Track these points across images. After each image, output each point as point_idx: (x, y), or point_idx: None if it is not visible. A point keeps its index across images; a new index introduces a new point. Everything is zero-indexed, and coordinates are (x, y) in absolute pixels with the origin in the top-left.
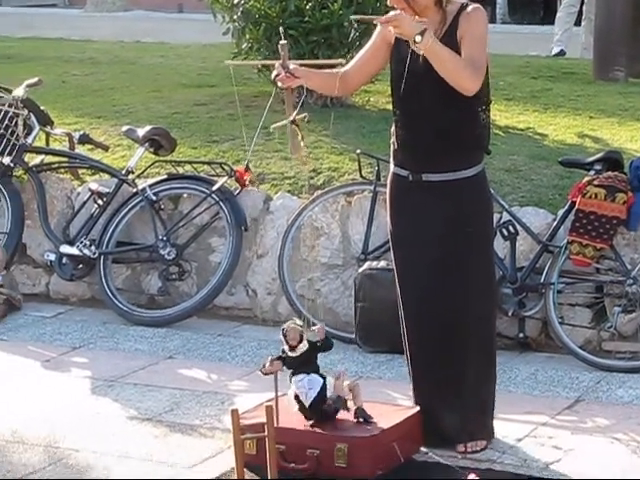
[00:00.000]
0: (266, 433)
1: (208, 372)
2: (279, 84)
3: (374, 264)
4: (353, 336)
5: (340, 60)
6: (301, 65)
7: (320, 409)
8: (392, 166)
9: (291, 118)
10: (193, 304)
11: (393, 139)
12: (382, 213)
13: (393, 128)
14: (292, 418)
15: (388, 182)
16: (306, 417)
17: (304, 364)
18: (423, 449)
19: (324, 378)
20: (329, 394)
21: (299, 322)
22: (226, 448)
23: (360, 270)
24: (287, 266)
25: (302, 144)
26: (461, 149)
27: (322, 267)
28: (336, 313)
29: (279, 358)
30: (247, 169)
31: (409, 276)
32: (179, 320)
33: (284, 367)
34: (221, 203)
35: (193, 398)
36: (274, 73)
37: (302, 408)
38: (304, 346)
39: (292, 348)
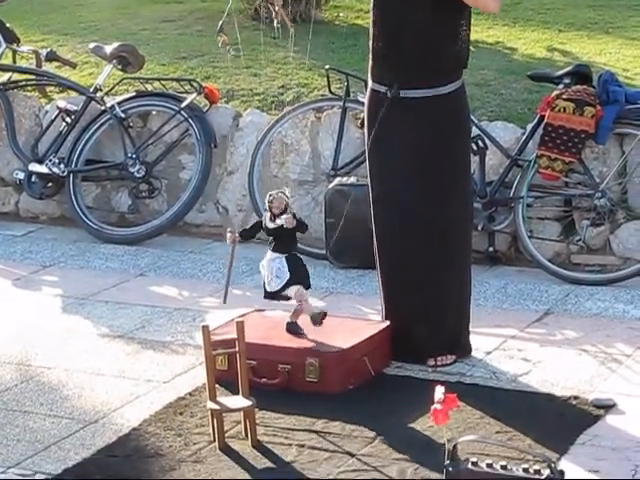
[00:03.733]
0: (237, 349)
1: (179, 289)
2: None
3: (344, 180)
4: (324, 252)
5: None
6: None
7: (274, 296)
8: (370, 82)
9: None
10: (163, 221)
11: (370, 54)
12: (352, 129)
13: (371, 42)
14: (264, 333)
15: (366, 98)
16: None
17: (282, 240)
18: (394, 363)
19: (291, 274)
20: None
21: (288, 193)
22: (198, 364)
23: (330, 186)
24: (257, 183)
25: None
26: (441, 65)
27: (292, 183)
28: None
29: (248, 230)
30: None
31: (388, 193)
32: (150, 238)
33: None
34: (190, 120)
35: (164, 315)
36: None
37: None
38: (282, 221)
39: (273, 218)
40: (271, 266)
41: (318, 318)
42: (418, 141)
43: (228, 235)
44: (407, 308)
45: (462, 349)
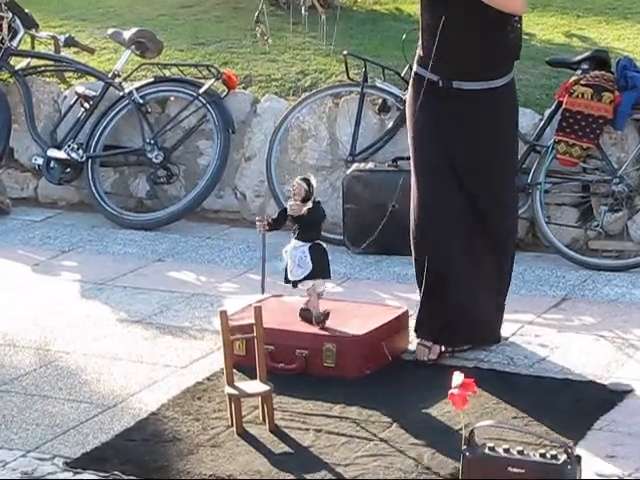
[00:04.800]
0: (255, 334)
1: (197, 274)
2: None
3: (362, 166)
4: (341, 238)
5: None
6: None
7: (295, 284)
8: (416, 67)
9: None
10: (181, 207)
11: (420, 44)
12: (369, 115)
13: (420, 34)
14: (281, 319)
15: (410, 85)
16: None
17: (306, 229)
18: (410, 348)
19: (314, 266)
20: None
21: (313, 180)
22: (216, 349)
23: (348, 172)
24: (275, 168)
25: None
26: (493, 58)
27: (310, 169)
28: None
29: (276, 220)
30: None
31: (436, 183)
32: (168, 223)
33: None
34: (208, 106)
35: (182, 300)
36: None
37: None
38: (304, 208)
39: (295, 207)
40: (294, 254)
41: (320, 318)
42: (469, 130)
43: (258, 224)
44: (464, 303)
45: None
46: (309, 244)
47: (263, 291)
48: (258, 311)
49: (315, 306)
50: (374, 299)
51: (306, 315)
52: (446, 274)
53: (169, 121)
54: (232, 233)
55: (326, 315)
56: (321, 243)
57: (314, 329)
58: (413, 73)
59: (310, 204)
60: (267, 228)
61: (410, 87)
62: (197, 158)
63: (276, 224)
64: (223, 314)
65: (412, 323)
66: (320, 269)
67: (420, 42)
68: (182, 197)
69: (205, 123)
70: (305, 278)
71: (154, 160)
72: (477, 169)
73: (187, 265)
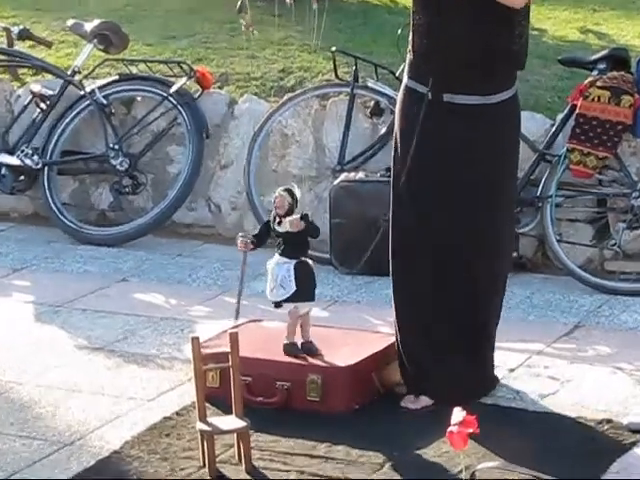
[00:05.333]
0: (230, 363)
1: (166, 296)
2: None
3: (351, 175)
4: (328, 256)
5: None
6: None
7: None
8: (405, 79)
9: None
10: (149, 220)
11: (409, 48)
12: (360, 118)
13: (411, 36)
14: (260, 346)
15: (399, 97)
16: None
17: (291, 245)
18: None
19: (298, 288)
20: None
21: (297, 191)
22: (186, 380)
23: (336, 182)
24: (254, 178)
25: None
26: (493, 67)
27: (293, 179)
28: None
29: (258, 236)
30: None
31: (423, 205)
32: (133, 238)
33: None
34: (179, 107)
35: (149, 325)
36: None
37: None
38: (287, 225)
39: (279, 219)
40: (276, 273)
41: (293, 350)
42: (461, 150)
43: (239, 240)
44: (444, 345)
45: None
46: (294, 261)
47: (237, 317)
48: (234, 338)
49: (292, 330)
50: (364, 325)
51: (291, 350)
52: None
53: (136, 124)
54: (205, 250)
55: (307, 343)
56: (308, 261)
57: (297, 358)
58: (402, 84)
59: (296, 217)
60: (251, 247)
61: (399, 98)
62: (167, 166)
63: (259, 241)
64: (195, 341)
65: None
66: (304, 291)
67: (410, 46)
68: (149, 209)
69: (176, 126)
70: (286, 300)
71: (118, 167)
72: (468, 201)
73: (155, 286)
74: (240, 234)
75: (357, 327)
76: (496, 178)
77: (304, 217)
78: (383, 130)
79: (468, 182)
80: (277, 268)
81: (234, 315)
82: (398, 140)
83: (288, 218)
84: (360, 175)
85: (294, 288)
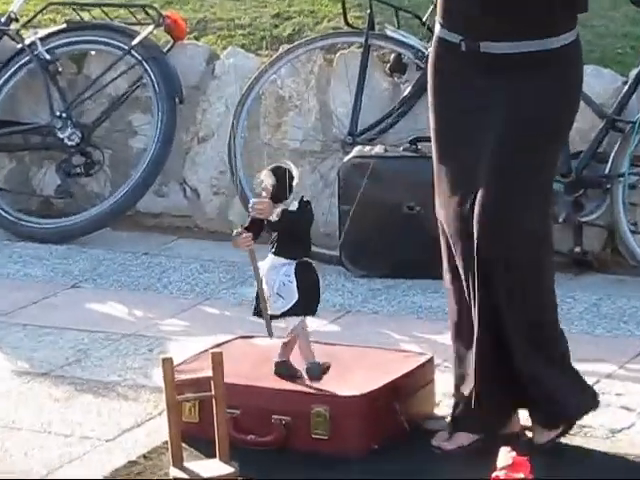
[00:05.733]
0: (213, 392)
1: (129, 307)
2: None
3: (366, 150)
4: (337, 254)
5: None
6: None
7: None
8: (437, 28)
9: None
10: (106, 209)
11: None
12: (377, 77)
13: None
14: (251, 370)
15: (431, 50)
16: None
17: (287, 240)
18: (438, 412)
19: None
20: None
21: (295, 171)
22: (156, 414)
23: (346, 159)
24: (241, 154)
25: None
26: (544, 5)
27: (291, 155)
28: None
29: (249, 228)
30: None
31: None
32: (87, 233)
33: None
34: (145, 63)
35: (108, 344)
36: None
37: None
38: (278, 210)
39: (259, 205)
40: (273, 279)
41: (318, 372)
42: (503, 118)
43: (239, 239)
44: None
45: None
46: (294, 262)
47: (271, 334)
48: (218, 359)
49: (306, 349)
50: (383, 342)
51: (283, 370)
52: None
53: (89, 86)
54: (179, 247)
55: (326, 368)
56: (310, 262)
57: (298, 386)
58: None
59: (295, 204)
60: (250, 242)
61: (431, 50)
62: (129, 139)
63: (255, 233)
64: (167, 363)
65: (442, 377)
66: (309, 300)
67: None
68: (107, 195)
69: (140, 89)
70: (287, 313)
71: (67, 142)
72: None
73: (114, 293)
74: (236, 230)
75: (375, 345)
76: (542, 142)
77: (304, 203)
78: (407, 91)
79: (505, 152)
80: (272, 272)
81: (266, 331)
82: (431, 108)
83: (253, 200)
84: (378, 149)
85: (296, 296)
